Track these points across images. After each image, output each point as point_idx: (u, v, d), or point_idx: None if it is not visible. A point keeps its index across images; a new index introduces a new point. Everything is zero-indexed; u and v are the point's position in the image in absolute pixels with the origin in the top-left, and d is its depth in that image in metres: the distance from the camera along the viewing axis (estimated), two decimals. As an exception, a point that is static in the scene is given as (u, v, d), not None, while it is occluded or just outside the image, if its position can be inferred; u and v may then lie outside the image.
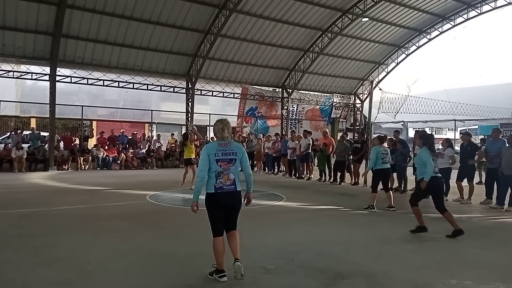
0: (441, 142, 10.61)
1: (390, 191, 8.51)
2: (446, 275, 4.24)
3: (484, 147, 10.23)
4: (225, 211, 4.10)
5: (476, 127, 25.50)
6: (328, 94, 26.16)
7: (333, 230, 6.39)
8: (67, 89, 18.40)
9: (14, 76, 16.53)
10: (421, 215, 6.07)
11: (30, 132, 17.43)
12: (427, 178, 5.89)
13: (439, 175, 6.09)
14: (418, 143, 6.50)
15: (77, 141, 18.18)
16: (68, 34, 16.33)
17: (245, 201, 4.33)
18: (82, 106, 18.58)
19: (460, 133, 12.58)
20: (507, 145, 8.82)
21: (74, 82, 17.52)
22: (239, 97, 23.00)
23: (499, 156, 8.64)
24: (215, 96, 21.76)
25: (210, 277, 3.96)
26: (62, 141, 17.91)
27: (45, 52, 16.31)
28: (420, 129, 16.10)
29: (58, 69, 16.58)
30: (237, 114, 23.70)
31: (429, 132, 6.54)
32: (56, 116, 16.84)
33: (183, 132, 21.46)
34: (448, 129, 27.87)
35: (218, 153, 4.00)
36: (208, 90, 21.22)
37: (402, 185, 11.05)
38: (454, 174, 9.64)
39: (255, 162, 17.48)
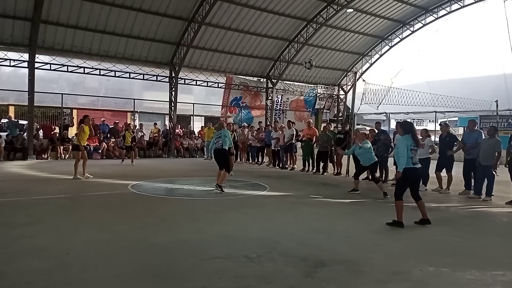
0: (420, 132, 10.80)
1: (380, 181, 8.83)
2: (424, 262, 4.34)
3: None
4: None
5: (456, 119, 25.98)
6: (312, 85, 26.24)
7: (315, 219, 6.46)
8: (47, 77, 17.91)
9: (-9, 63, 16.03)
10: (402, 210, 5.97)
11: (8, 120, 16.98)
12: (400, 169, 5.96)
13: (418, 166, 6.07)
14: (400, 133, 6.53)
15: (57, 130, 17.82)
16: (48, 20, 15.85)
17: None
18: (62, 94, 18.13)
19: (440, 124, 12.80)
20: (483, 136, 9.04)
21: (54, 70, 17.09)
22: (223, 86, 22.86)
23: (476, 147, 8.84)
24: (199, 85, 21.56)
25: None
26: (41, 130, 17.54)
27: (24, 38, 15.81)
28: (402, 120, 16.33)
29: (37, 55, 16.12)
30: (221, 104, 23.57)
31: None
32: (35, 104, 16.41)
33: (166, 121, 21.34)
34: (429, 121, 28.32)
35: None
36: (191, 79, 21.00)
37: (383, 175, 11.23)
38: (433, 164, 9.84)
39: (239, 152, 17.50)
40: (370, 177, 10.57)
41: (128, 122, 16.77)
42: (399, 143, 6.14)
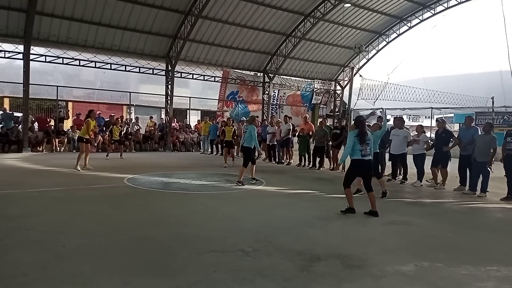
0: (415, 128, 10.84)
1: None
2: (419, 257, 4.37)
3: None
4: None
5: (452, 115, 26.10)
6: (309, 80, 26.22)
7: (311, 214, 6.47)
8: (42, 69, 17.78)
9: (-14, 55, 15.87)
10: (352, 197, 6.55)
11: (2, 112, 16.86)
12: (341, 161, 6.95)
13: (367, 158, 6.45)
14: (351, 128, 7.39)
15: (52, 122, 17.72)
16: (43, 11, 15.70)
17: None
18: (57, 86, 18.00)
19: (436, 120, 12.85)
20: (479, 132, 9.08)
21: (49, 62, 16.95)
22: (220, 80, 22.79)
23: (472, 143, 8.88)
24: (195, 79, 21.47)
25: None
26: (36, 122, 17.42)
27: (19, 30, 15.66)
28: (398, 116, 16.38)
29: (32, 47, 15.97)
30: (217, 98, 23.50)
31: (363, 117, 6.99)
32: (30, 97, 16.27)
33: (162, 114, 21.27)
34: (425, 117, 28.43)
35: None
36: (188, 73, 20.91)
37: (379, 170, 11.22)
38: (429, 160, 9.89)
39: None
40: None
41: (116, 117, 16.64)
42: (348, 136, 6.71)
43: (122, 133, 15.85)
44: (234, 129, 14.72)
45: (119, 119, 16.38)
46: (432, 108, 21.93)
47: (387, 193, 8.04)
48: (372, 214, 6.29)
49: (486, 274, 3.98)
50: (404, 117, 14.52)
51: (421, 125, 11.26)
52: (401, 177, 10.55)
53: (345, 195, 6.53)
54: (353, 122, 8.48)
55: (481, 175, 8.67)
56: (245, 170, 9.37)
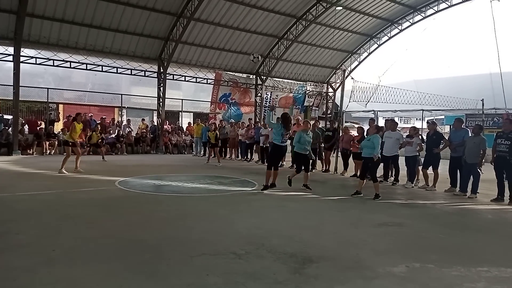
0: (408, 130, 10.92)
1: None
2: (410, 258, 4.39)
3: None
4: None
5: (443, 117, 26.34)
6: (301, 82, 26.30)
7: (303, 216, 6.49)
8: (32, 71, 17.61)
9: (-25, 56, 15.69)
10: (270, 177, 8.51)
11: (-8, 114, 16.68)
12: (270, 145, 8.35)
13: (284, 144, 8.64)
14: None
15: (43, 125, 17.54)
16: (33, 13, 15.59)
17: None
18: (47, 88, 17.84)
19: (427, 122, 12.96)
20: (470, 134, 9.17)
21: (39, 63, 16.81)
22: (212, 83, 22.76)
23: (462, 145, 8.97)
24: (187, 81, 21.44)
25: None
26: (26, 125, 17.24)
27: (9, 32, 15.50)
28: (390, 118, 16.48)
29: (22, 49, 15.84)
30: (210, 100, 23.47)
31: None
32: (20, 99, 16.13)
33: (154, 117, 21.17)
34: (416, 119, 28.68)
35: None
36: (180, 75, 20.87)
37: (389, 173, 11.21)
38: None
39: (228, 149, 17.51)
40: (357, 174, 10.64)
41: (98, 121, 16.48)
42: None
43: (106, 136, 15.62)
44: (217, 133, 15.24)
45: (99, 126, 16.29)
46: (423, 110, 22.14)
47: (379, 196, 8.08)
48: (266, 188, 8.46)
49: (476, 275, 4.01)
50: (396, 119, 14.63)
51: (414, 126, 11.35)
52: (392, 178, 10.63)
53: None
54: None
55: (471, 177, 8.76)
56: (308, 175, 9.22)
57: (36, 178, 9.87)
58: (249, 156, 16.52)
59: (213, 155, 15.16)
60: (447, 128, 24.47)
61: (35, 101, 18.37)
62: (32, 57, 16.52)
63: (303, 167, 9.12)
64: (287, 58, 23.83)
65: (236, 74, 23.53)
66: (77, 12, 16.40)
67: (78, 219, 5.82)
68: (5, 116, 17.11)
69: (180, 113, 22.66)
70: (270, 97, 25.46)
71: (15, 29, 15.38)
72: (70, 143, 11.01)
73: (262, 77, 24.01)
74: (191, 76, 21.26)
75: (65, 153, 11.28)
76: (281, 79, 25.27)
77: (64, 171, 10.45)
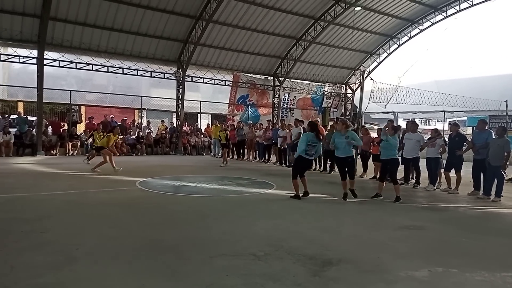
0: (430, 132, 10.73)
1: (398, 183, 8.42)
2: (433, 263, 4.31)
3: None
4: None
5: (465, 118, 25.79)
6: (319, 83, 26.15)
7: (322, 218, 6.44)
8: (55, 73, 18.03)
9: (1, 59, 16.16)
10: (298, 187, 7.91)
11: (17, 116, 17.14)
12: (296, 155, 7.94)
13: (308, 158, 8.01)
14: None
15: (66, 126, 17.95)
16: (56, 17, 15.99)
17: None
18: (70, 90, 18.27)
19: (449, 124, 12.70)
20: (493, 136, 8.95)
21: (62, 66, 17.20)
22: (230, 84, 22.87)
23: (486, 147, 8.76)
24: (206, 83, 21.59)
25: None
26: (50, 126, 17.67)
27: (33, 35, 15.96)
28: (410, 119, 16.23)
29: (45, 52, 16.26)
30: (228, 102, 23.58)
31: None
32: (44, 101, 16.57)
33: (173, 118, 21.38)
34: (437, 120, 28.15)
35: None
36: (199, 77, 21.03)
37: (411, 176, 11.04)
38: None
39: (246, 150, 17.54)
40: (376, 176, 10.50)
41: (98, 122, 16.59)
42: (301, 137, 8.25)
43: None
44: (227, 133, 15.46)
45: (98, 127, 16.38)
46: (444, 111, 21.70)
47: (400, 199, 7.97)
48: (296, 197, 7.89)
49: (501, 280, 3.91)
50: (416, 120, 14.40)
51: (436, 129, 11.17)
52: (413, 181, 10.45)
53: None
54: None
55: (495, 179, 8.55)
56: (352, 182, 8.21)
57: (59, 178, 10.10)
58: (266, 158, 16.52)
59: (231, 156, 15.22)
60: (469, 130, 23.95)
61: (58, 103, 18.82)
62: (55, 60, 16.92)
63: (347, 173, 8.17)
64: (305, 59, 23.74)
65: (254, 75, 23.56)
66: (99, 15, 16.74)
67: (100, 218, 5.94)
68: (29, 118, 17.60)
69: (198, 114, 22.84)
70: (288, 98, 25.42)
71: (39, 32, 15.81)
72: (100, 148, 11.54)
73: (280, 78, 23.98)
74: (209, 78, 21.40)
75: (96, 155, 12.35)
76: (299, 80, 25.19)
77: (117, 168, 11.22)
